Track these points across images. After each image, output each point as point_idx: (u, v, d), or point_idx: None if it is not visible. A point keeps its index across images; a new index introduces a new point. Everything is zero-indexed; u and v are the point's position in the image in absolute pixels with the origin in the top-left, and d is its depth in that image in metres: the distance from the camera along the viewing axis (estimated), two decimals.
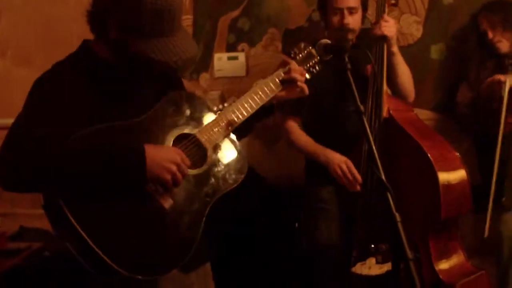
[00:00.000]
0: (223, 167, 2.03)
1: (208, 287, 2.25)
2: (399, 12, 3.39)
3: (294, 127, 3.03)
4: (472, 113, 3.17)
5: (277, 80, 2.17)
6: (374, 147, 1.91)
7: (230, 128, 2.05)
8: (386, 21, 2.80)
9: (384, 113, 2.73)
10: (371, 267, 2.67)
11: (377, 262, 2.67)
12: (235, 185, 2.06)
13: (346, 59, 2.04)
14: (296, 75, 2.15)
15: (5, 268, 2.68)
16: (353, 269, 2.71)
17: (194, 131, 1.99)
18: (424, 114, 3.27)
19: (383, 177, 1.85)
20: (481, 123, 3.12)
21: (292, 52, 2.25)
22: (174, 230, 1.92)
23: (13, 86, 3.68)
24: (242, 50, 3.69)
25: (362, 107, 1.94)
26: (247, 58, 3.70)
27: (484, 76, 3.10)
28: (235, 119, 2.05)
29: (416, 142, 2.67)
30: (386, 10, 2.87)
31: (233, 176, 2.05)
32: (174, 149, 1.90)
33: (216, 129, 2.01)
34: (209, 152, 1.99)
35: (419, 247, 2.65)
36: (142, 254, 1.84)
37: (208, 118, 2.03)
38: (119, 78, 1.95)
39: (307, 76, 2.20)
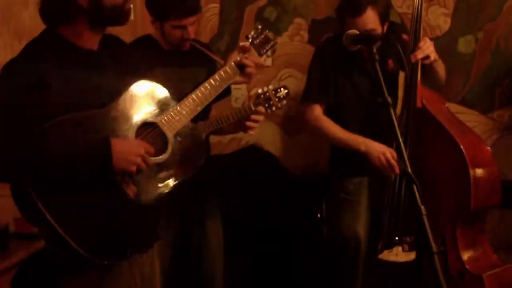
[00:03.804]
0: (182, 155, 2.11)
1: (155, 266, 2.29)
2: (427, 4, 3.35)
3: (321, 115, 2.97)
4: None
5: (233, 65, 2.28)
6: (400, 139, 1.90)
7: (191, 115, 2.13)
8: (424, 42, 2.75)
9: (418, 104, 2.73)
10: (398, 254, 2.68)
11: (404, 250, 2.67)
12: (192, 172, 2.16)
13: (374, 51, 2.03)
14: (248, 62, 2.29)
15: (30, 252, 2.71)
16: (380, 256, 2.72)
17: (157, 120, 2.06)
18: (451, 108, 3.24)
19: (409, 169, 1.85)
20: None
21: (250, 36, 2.32)
22: (138, 216, 2.01)
23: None
24: None
25: (389, 99, 1.93)
26: None
27: None
28: (197, 107, 2.15)
29: (449, 133, 2.69)
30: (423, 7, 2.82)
31: (192, 164, 2.16)
32: (138, 142, 1.99)
33: (178, 117, 2.09)
34: (170, 140, 2.08)
35: (446, 237, 2.67)
36: (110, 241, 1.95)
37: (170, 105, 2.10)
38: (89, 62, 1.98)
39: (265, 61, 2.31)
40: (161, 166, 2.06)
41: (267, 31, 2.33)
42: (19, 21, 3.53)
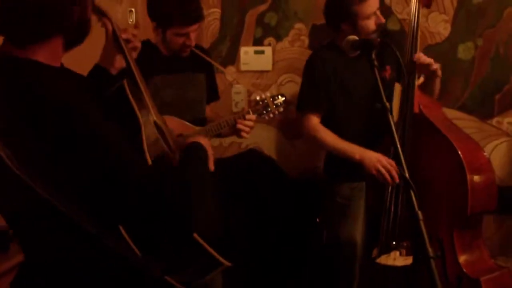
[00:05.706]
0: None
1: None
2: (427, 11, 3.36)
3: (317, 125, 3.02)
4: None
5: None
6: (398, 144, 1.90)
7: (150, 97, 1.94)
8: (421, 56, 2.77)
9: (415, 109, 2.74)
10: (396, 259, 2.70)
11: (401, 255, 2.69)
12: None
13: (373, 56, 2.04)
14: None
15: None
16: (378, 260, 2.73)
17: (154, 118, 1.86)
18: (451, 114, 3.25)
19: (407, 174, 1.85)
20: None
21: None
22: None
23: None
24: (269, 45, 3.70)
25: (388, 104, 1.94)
26: (273, 52, 3.70)
27: None
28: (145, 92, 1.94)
29: (446, 138, 2.69)
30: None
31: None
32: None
33: (151, 107, 1.87)
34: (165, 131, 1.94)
35: (443, 241, 2.68)
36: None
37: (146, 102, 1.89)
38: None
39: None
40: None
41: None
42: None
